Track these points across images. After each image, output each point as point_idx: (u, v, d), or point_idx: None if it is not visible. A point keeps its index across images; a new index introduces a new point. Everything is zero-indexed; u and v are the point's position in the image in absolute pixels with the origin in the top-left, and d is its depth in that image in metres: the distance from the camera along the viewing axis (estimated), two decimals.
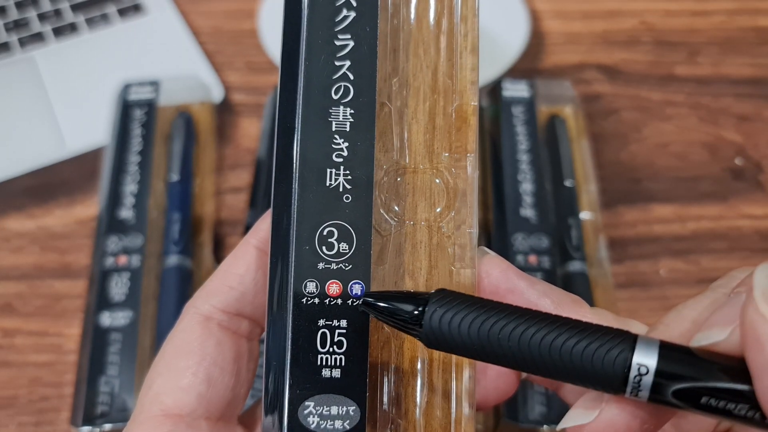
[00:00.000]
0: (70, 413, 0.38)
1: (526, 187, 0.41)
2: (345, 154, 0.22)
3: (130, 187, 0.43)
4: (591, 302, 0.39)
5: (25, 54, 0.52)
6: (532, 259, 0.39)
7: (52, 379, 0.41)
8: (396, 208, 0.23)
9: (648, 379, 0.18)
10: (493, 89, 0.46)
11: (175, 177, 0.44)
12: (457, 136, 0.24)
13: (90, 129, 0.48)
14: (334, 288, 0.21)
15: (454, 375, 0.23)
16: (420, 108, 0.24)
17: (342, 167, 0.22)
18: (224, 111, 0.51)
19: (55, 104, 0.50)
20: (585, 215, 0.43)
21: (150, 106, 0.46)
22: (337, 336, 0.21)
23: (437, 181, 0.23)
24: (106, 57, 0.52)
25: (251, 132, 0.50)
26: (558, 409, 0.35)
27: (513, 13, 0.55)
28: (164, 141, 0.46)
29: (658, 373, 0.18)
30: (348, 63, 0.22)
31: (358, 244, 0.22)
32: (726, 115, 0.51)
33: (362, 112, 0.22)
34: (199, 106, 0.48)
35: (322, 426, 0.21)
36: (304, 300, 0.21)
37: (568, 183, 0.43)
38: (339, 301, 0.21)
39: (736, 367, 0.17)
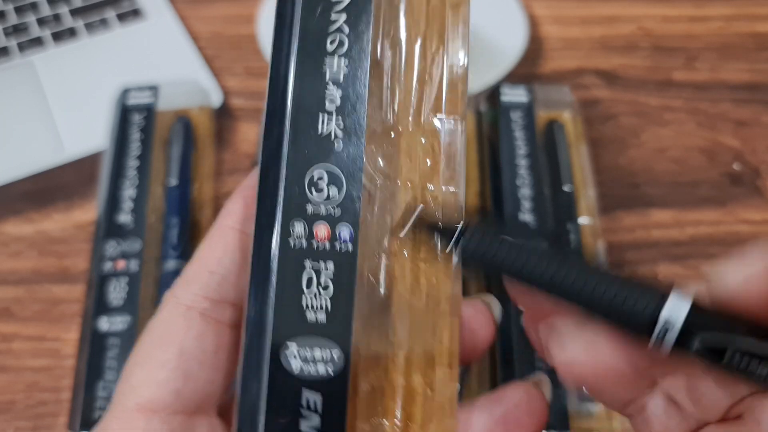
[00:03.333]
0: (67, 418, 0.38)
1: (525, 192, 0.41)
2: (338, 102, 0.22)
3: (128, 191, 0.43)
4: None
5: (24, 59, 0.52)
6: None
7: (50, 383, 0.41)
8: (383, 165, 0.23)
9: (677, 322, 0.18)
10: (492, 94, 0.46)
11: (173, 181, 0.44)
12: (446, 99, 0.24)
13: (89, 133, 0.48)
14: (322, 231, 0.21)
15: (431, 335, 0.23)
16: (411, 69, 0.24)
17: (334, 114, 0.22)
18: (223, 116, 0.51)
19: (53, 109, 0.50)
20: (583, 220, 0.43)
21: (149, 111, 0.46)
22: (324, 279, 0.21)
23: (423, 141, 0.24)
24: (105, 62, 0.52)
25: (250, 137, 0.50)
26: (557, 413, 0.35)
27: (511, 19, 0.55)
28: (163, 145, 0.46)
29: (688, 319, 0.18)
30: (344, 17, 0.23)
31: (348, 189, 0.22)
32: (724, 121, 0.51)
33: (356, 64, 0.22)
34: (198, 110, 0.48)
35: (305, 370, 0.21)
36: (291, 241, 0.21)
37: (566, 188, 0.43)
38: (327, 244, 0.21)
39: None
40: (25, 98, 0.50)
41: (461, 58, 0.24)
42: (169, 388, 0.22)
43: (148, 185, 0.43)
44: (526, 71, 0.53)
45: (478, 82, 0.51)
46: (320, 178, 0.22)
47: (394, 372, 0.22)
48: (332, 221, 0.22)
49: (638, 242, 0.46)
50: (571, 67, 0.54)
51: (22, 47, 0.53)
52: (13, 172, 0.47)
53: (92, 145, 0.47)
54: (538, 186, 0.41)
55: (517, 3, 0.56)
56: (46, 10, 0.54)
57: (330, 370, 0.21)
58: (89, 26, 0.54)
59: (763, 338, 0.17)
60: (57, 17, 0.54)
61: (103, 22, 0.54)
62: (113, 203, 0.42)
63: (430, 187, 0.23)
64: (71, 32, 0.53)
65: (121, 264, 0.41)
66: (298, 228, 0.21)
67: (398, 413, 0.22)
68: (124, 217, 0.42)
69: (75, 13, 0.54)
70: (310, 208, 0.22)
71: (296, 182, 0.22)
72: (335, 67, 0.22)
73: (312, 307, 0.21)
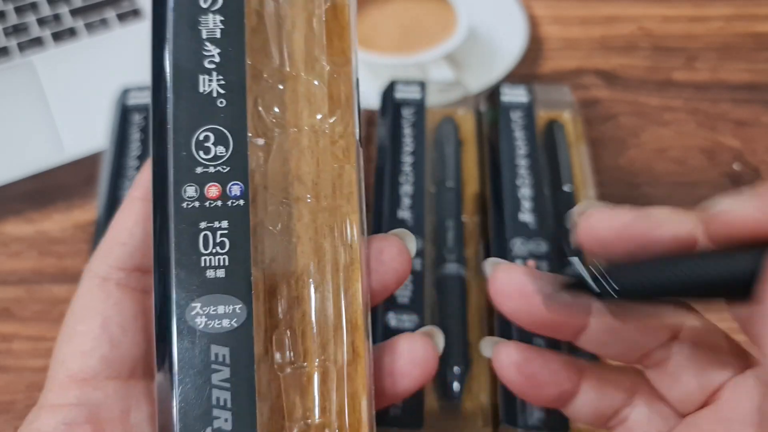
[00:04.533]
0: None
1: (525, 192, 0.41)
2: (217, 60, 0.22)
3: (128, 191, 0.43)
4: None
5: (24, 59, 0.52)
6: (531, 263, 0.39)
7: None
8: (280, 114, 0.24)
9: None
10: (492, 94, 0.46)
11: None
12: (335, 39, 0.24)
13: (89, 133, 0.48)
14: (213, 191, 0.22)
15: (342, 276, 0.23)
16: (299, 16, 0.24)
17: (214, 73, 0.22)
18: None
19: (53, 109, 0.50)
20: None
21: (148, 111, 0.46)
22: (219, 237, 0.22)
23: (316, 83, 0.24)
24: (105, 62, 0.52)
25: None
26: (557, 414, 0.35)
27: (511, 19, 0.55)
28: None
29: None
30: None
31: (235, 146, 0.22)
32: (724, 121, 0.51)
33: (232, 19, 0.23)
34: None
35: (210, 326, 0.21)
36: (184, 204, 0.22)
37: (566, 188, 0.43)
38: (219, 203, 0.22)
39: None
40: (24, 98, 0.50)
41: None
42: (96, 356, 0.23)
43: None
44: (526, 71, 0.53)
45: (478, 82, 0.51)
46: (207, 139, 0.22)
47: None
48: (222, 180, 0.22)
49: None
50: (571, 67, 0.54)
51: (22, 47, 0.53)
52: (13, 172, 0.47)
53: (92, 145, 0.47)
54: (538, 186, 0.41)
55: (517, 3, 0.56)
56: (46, 10, 0.54)
57: (234, 323, 0.21)
58: (89, 26, 0.54)
59: None
60: (57, 17, 0.54)
61: (103, 22, 0.54)
62: (113, 203, 0.42)
63: (327, 131, 0.24)
64: (71, 32, 0.53)
65: None
66: (190, 191, 0.22)
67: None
68: None
69: (75, 13, 0.54)
70: (199, 170, 0.22)
71: (184, 146, 0.22)
72: (210, 24, 0.22)
73: (211, 265, 0.21)
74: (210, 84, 0.22)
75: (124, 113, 0.46)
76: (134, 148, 0.45)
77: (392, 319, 0.37)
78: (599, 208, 0.22)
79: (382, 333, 0.37)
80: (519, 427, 0.35)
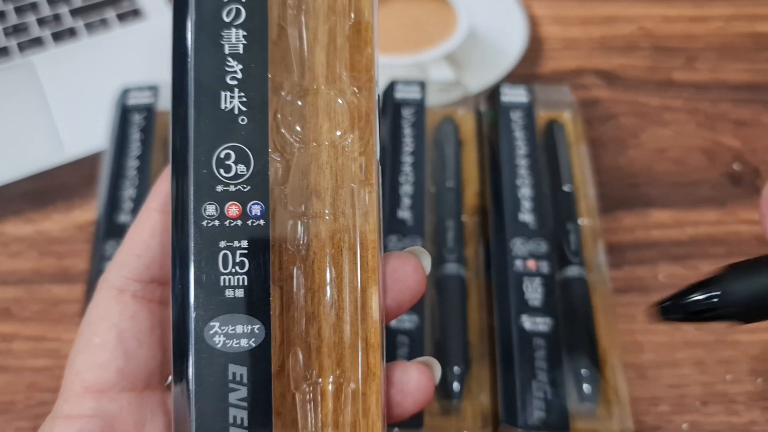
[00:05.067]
0: None
1: (525, 192, 0.41)
2: (239, 76, 0.22)
3: (128, 191, 0.43)
4: (589, 307, 0.39)
5: (24, 59, 0.52)
6: (531, 263, 0.39)
7: (50, 384, 0.41)
8: (299, 129, 0.24)
9: None
10: (492, 94, 0.46)
11: None
12: (358, 56, 0.24)
13: (89, 133, 0.48)
14: (233, 210, 0.22)
15: (359, 294, 0.23)
16: (320, 29, 0.24)
17: (236, 89, 0.22)
18: None
19: (53, 109, 0.50)
20: (583, 220, 0.43)
21: (149, 111, 0.46)
22: (239, 257, 0.22)
23: (339, 101, 0.24)
24: (105, 62, 0.52)
25: None
26: (557, 414, 0.35)
27: (511, 19, 0.55)
28: (163, 146, 0.46)
29: None
30: None
31: (256, 165, 0.22)
32: (724, 121, 0.51)
33: (255, 34, 0.22)
34: None
35: (228, 345, 0.21)
36: (204, 223, 0.22)
37: (566, 188, 0.43)
38: (239, 222, 0.22)
39: None
40: (25, 98, 0.50)
41: (368, 12, 0.24)
42: (112, 368, 0.23)
43: (148, 185, 0.43)
44: (526, 71, 0.53)
45: (478, 82, 0.51)
46: (227, 157, 0.22)
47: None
48: (242, 199, 0.22)
49: (638, 242, 0.46)
50: (571, 67, 0.54)
51: (22, 47, 0.53)
52: (13, 172, 0.47)
53: (92, 145, 0.47)
54: (538, 186, 0.41)
55: (517, 3, 0.56)
56: (46, 10, 0.54)
57: (252, 343, 0.21)
58: (89, 26, 0.54)
59: None
60: (57, 17, 0.54)
61: (103, 22, 0.54)
62: (113, 203, 0.42)
63: (347, 148, 0.24)
64: (71, 32, 0.53)
65: None
66: (210, 209, 0.22)
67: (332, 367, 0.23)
68: (124, 218, 0.42)
69: (75, 13, 0.54)
70: (220, 188, 0.22)
71: (204, 164, 0.22)
72: (233, 39, 0.22)
73: (230, 285, 0.21)
74: (232, 101, 0.22)
75: (124, 113, 0.46)
76: (134, 148, 0.45)
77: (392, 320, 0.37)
78: None
79: None
80: (519, 427, 0.35)
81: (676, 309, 0.20)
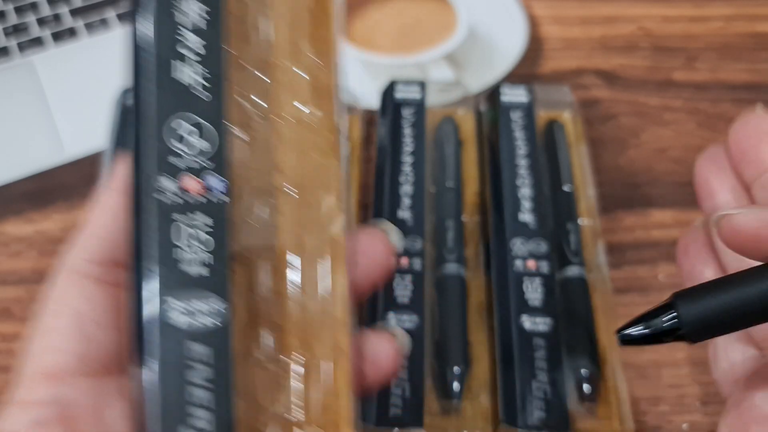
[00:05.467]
0: None
1: (525, 192, 0.41)
2: (195, 48, 0.22)
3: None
4: (589, 307, 0.39)
5: (24, 59, 0.52)
6: (531, 263, 0.39)
7: None
8: (261, 103, 0.23)
9: None
10: (492, 94, 0.46)
11: None
12: (321, 30, 0.24)
13: (89, 133, 0.48)
14: (192, 184, 0.21)
15: (325, 272, 0.23)
16: (282, 1, 0.24)
17: (193, 61, 0.22)
18: None
19: (53, 109, 0.50)
20: (583, 220, 0.43)
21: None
22: (200, 233, 0.21)
23: (303, 74, 0.24)
24: (106, 62, 0.52)
25: None
26: (557, 414, 0.35)
27: (511, 19, 0.55)
28: None
29: None
30: None
31: (213, 138, 0.22)
32: (724, 121, 0.51)
33: (212, 6, 0.22)
34: None
35: (189, 323, 0.21)
36: (159, 197, 0.21)
37: (566, 188, 0.43)
38: (198, 197, 0.21)
39: None
40: (24, 98, 0.50)
41: None
42: (71, 352, 0.22)
43: None
44: (526, 71, 0.53)
45: (478, 82, 0.51)
46: (184, 129, 0.21)
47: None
48: (201, 173, 0.21)
49: (638, 242, 0.46)
50: (571, 67, 0.54)
51: (22, 47, 0.53)
52: (13, 172, 0.47)
53: (92, 145, 0.47)
54: (538, 186, 0.41)
55: (517, 3, 0.56)
56: (46, 10, 0.54)
57: (214, 321, 0.21)
58: (89, 26, 0.54)
59: None
60: (57, 17, 0.54)
61: (104, 22, 0.54)
62: None
63: (309, 120, 0.23)
64: (71, 32, 0.53)
65: None
66: (166, 183, 0.21)
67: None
68: None
69: (75, 13, 0.54)
70: (174, 160, 0.21)
71: (155, 135, 0.21)
72: (187, 9, 0.22)
73: (192, 262, 0.21)
74: (187, 72, 0.22)
75: (124, 113, 0.46)
76: None
77: (392, 319, 0.37)
78: (743, 210, 0.22)
79: None
80: (519, 427, 0.35)
81: (634, 340, 0.23)
